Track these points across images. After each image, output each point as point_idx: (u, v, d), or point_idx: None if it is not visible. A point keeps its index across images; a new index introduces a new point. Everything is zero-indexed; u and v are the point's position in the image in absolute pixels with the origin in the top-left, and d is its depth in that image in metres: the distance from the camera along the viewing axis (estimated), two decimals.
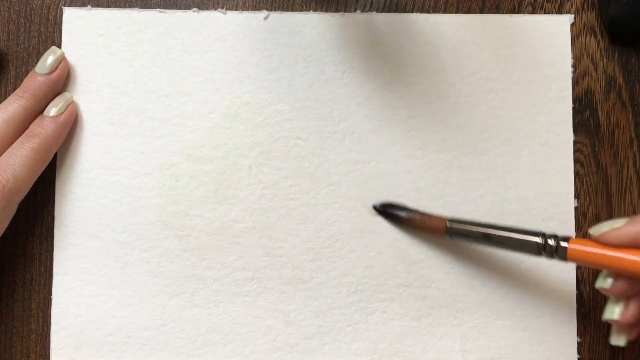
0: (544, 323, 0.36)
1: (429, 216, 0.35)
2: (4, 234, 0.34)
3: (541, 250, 0.31)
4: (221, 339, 0.36)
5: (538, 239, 0.31)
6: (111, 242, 0.36)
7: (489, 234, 0.33)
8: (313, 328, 0.36)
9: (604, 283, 0.31)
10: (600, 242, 0.30)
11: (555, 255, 0.31)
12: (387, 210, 0.36)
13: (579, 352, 0.36)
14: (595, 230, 0.30)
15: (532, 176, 0.36)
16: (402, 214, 0.35)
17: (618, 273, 0.30)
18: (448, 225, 0.34)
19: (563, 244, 0.31)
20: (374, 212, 0.36)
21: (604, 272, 0.31)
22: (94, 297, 0.36)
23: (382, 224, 0.36)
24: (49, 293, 0.36)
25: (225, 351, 0.36)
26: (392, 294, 0.36)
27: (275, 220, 0.36)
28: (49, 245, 0.36)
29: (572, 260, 0.30)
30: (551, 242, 0.31)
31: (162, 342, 0.36)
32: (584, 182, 0.36)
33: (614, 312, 0.31)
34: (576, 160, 0.36)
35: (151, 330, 0.36)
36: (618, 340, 0.31)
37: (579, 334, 0.36)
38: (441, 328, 0.36)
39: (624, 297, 0.31)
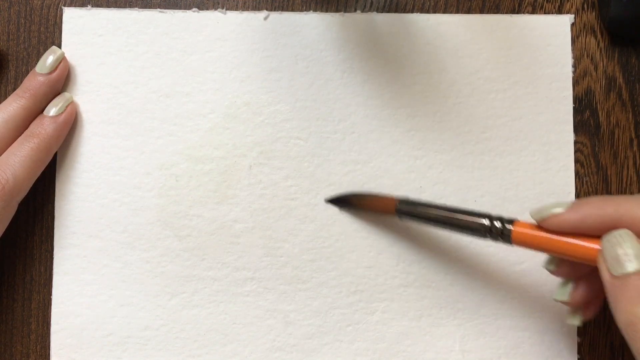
0: (544, 323, 0.36)
1: (380, 198, 0.35)
2: (4, 234, 0.34)
3: (487, 232, 0.30)
4: (221, 339, 0.36)
5: (485, 221, 0.30)
6: (111, 242, 0.36)
7: (437, 215, 0.32)
8: (313, 328, 0.36)
9: (550, 266, 0.31)
10: (541, 226, 0.29)
11: (500, 238, 0.30)
12: (338, 199, 0.36)
13: (579, 352, 0.36)
14: (536, 214, 0.29)
15: (532, 176, 0.36)
16: (352, 198, 0.35)
17: (562, 258, 0.30)
18: (397, 205, 0.33)
19: (508, 226, 0.30)
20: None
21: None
22: (94, 297, 0.36)
23: (383, 224, 0.36)
24: (49, 293, 0.36)
25: (225, 351, 0.36)
26: (392, 294, 0.36)
27: (275, 220, 0.36)
28: (49, 245, 0.36)
29: (517, 243, 0.30)
30: (497, 224, 0.30)
31: (162, 342, 0.36)
32: (584, 182, 0.36)
33: (564, 294, 0.31)
34: (576, 160, 0.36)
35: (151, 330, 0.36)
36: (573, 320, 0.31)
37: (579, 334, 0.36)
38: (441, 328, 0.36)
39: (572, 279, 0.31)
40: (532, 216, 0.30)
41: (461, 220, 0.31)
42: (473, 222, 0.31)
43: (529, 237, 0.29)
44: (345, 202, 0.36)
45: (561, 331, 0.36)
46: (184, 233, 0.36)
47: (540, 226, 0.29)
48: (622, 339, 0.35)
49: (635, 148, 0.36)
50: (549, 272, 0.31)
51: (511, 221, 0.30)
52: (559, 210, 0.29)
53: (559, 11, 0.37)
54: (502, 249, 0.36)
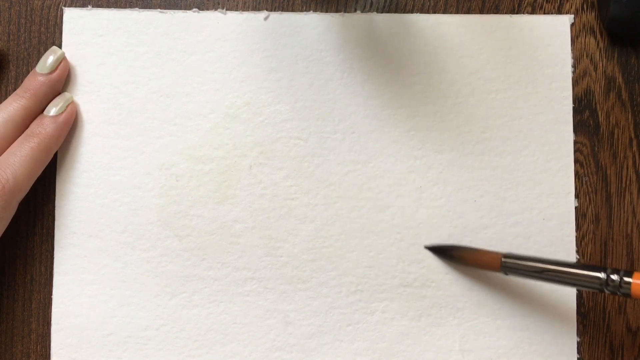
0: (544, 323, 0.36)
1: (484, 253, 0.34)
2: (4, 234, 0.34)
3: (603, 286, 0.30)
4: (221, 339, 0.36)
5: (600, 275, 0.30)
6: (111, 242, 0.36)
7: (547, 270, 0.31)
8: (313, 328, 0.36)
9: None
10: None
11: (619, 291, 0.29)
12: (438, 249, 0.35)
13: (578, 351, 0.36)
14: None
15: (532, 176, 0.36)
16: (455, 251, 0.35)
17: None
18: (502, 262, 0.33)
19: (627, 279, 0.29)
20: (427, 251, 0.36)
21: None
22: (94, 297, 0.36)
23: (382, 224, 0.36)
24: (50, 293, 0.36)
25: (225, 351, 0.36)
26: (392, 294, 0.36)
27: (275, 220, 0.36)
28: (50, 245, 0.36)
29: (636, 296, 0.29)
30: (614, 277, 0.29)
31: (162, 342, 0.36)
32: (584, 182, 0.36)
33: None
34: (576, 160, 0.36)
35: (151, 330, 0.36)
36: None
37: (579, 333, 0.36)
38: (441, 328, 0.36)
39: None
40: None
41: (575, 275, 0.31)
42: (588, 276, 0.30)
43: None
44: (445, 253, 0.35)
45: (561, 331, 0.36)
46: (184, 233, 0.36)
47: None
48: (622, 338, 0.36)
49: (634, 148, 0.36)
50: None
51: (629, 274, 0.29)
52: None
53: (559, 11, 0.37)
54: (502, 249, 0.36)
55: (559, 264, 0.31)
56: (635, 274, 0.29)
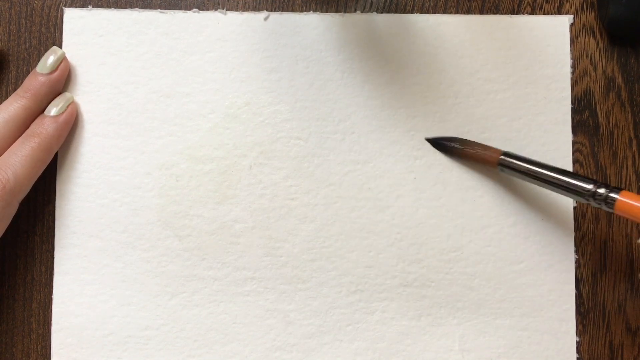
0: (544, 323, 0.36)
1: (484, 147, 0.35)
2: (5, 233, 0.35)
3: (590, 197, 0.31)
4: (221, 339, 0.36)
5: (589, 186, 0.31)
6: (111, 242, 0.36)
7: (542, 173, 0.33)
8: (313, 328, 0.36)
9: None
10: None
11: (604, 205, 0.31)
12: (439, 142, 0.36)
13: (578, 351, 0.36)
14: None
15: None
16: (455, 145, 0.36)
17: None
18: (501, 158, 0.34)
19: (613, 194, 0.30)
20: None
21: None
22: (94, 297, 0.36)
23: (382, 224, 0.36)
24: (50, 293, 0.36)
25: (226, 351, 0.36)
26: (392, 293, 0.36)
27: (275, 220, 0.36)
28: (50, 245, 0.36)
29: (619, 212, 0.30)
30: (602, 190, 0.31)
31: (162, 342, 0.36)
32: None
33: None
34: (575, 160, 0.36)
35: (151, 330, 0.36)
36: None
37: (578, 333, 0.36)
38: (440, 327, 0.36)
39: None
40: None
41: (565, 181, 0.32)
42: (577, 185, 0.31)
43: (634, 208, 0.30)
44: (445, 146, 0.36)
45: (560, 331, 0.36)
46: (184, 233, 0.36)
47: None
48: (621, 338, 0.36)
49: (634, 148, 0.36)
50: None
51: (618, 190, 0.30)
52: None
53: (558, 12, 0.37)
54: (502, 249, 0.36)
55: (555, 170, 0.32)
56: (622, 192, 0.30)
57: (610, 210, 0.30)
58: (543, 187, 0.33)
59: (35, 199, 0.36)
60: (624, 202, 0.30)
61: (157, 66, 0.36)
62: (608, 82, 0.37)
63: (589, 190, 0.31)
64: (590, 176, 0.36)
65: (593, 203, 0.31)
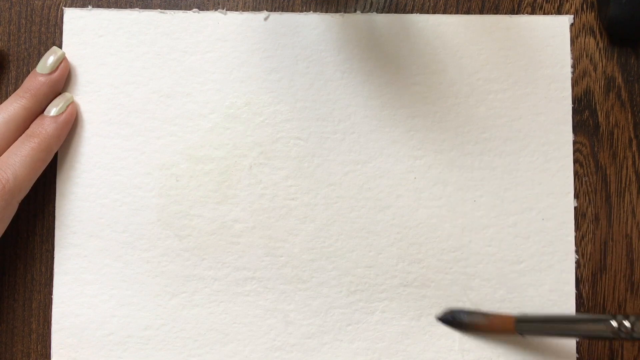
0: None
1: (496, 317, 0.34)
2: (5, 233, 0.35)
3: (615, 334, 0.30)
4: (221, 339, 0.36)
5: (613, 322, 0.30)
6: (112, 242, 0.36)
7: (563, 329, 0.32)
8: (313, 328, 0.36)
9: None
10: None
11: (635, 334, 0.30)
12: (451, 318, 0.35)
13: (578, 351, 0.36)
14: None
15: (532, 176, 0.36)
16: (467, 319, 0.35)
17: None
18: (517, 325, 0.33)
19: (639, 323, 0.30)
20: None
21: None
22: (94, 297, 0.36)
23: (382, 224, 0.36)
24: (50, 293, 0.36)
25: (226, 351, 0.36)
26: (392, 293, 0.36)
27: (275, 220, 0.36)
28: (50, 245, 0.36)
29: None
30: (626, 323, 0.30)
31: (162, 342, 0.36)
32: (583, 182, 0.36)
33: None
34: (575, 160, 0.36)
35: (151, 330, 0.36)
36: None
37: None
38: (440, 327, 0.36)
39: None
40: None
41: (589, 328, 0.31)
42: (600, 328, 0.31)
43: None
44: (457, 322, 0.35)
45: None
46: (185, 233, 0.36)
47: None
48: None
49: (634, 148, 0.36)
50: None
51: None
52: None
53: (558, 12, 0.37)
54: (502, 249, 0.36)
55: (572, 320, 0.32)
56: None
57: None
58: (568, 338, 0.32)
59: (35, 199, 0.36)
60: None
61: (157, 66, 0.36)
62: (608, 82, 0.37)
63: (613, 326, 0.30)
64: (590, 179, 0.36)
65: (622, 336, 0.30)
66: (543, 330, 0.33)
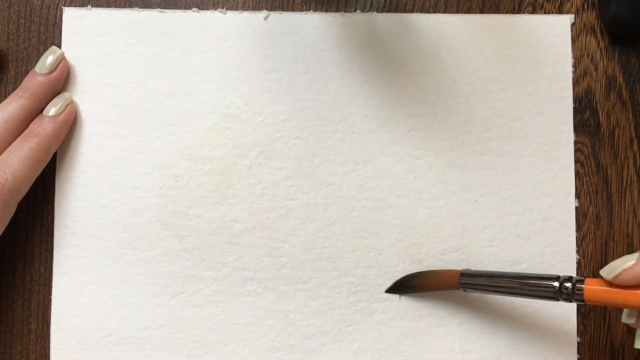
0: (544, 323, 0.36)
1: (441, 273, 0.35)
2: (4, 234, 0.34)
3: (557, 295, 0.30)
4: (221, 339, 0.36)
5: (554, 283, 0.30)
6: (111, 242, 0.36)
7: (504, 286, 0.32)
8: (313, 328, 0.36)
9: (629, 319, 0.30)
10: (614, 284, 0.29)
11: (573, 299, 0.30)
12: (396, 286, 0.35)
13: (578, 352, 0.36)
14: (607, 273, 0.29)
15: (533, 176, 0.36)
16: (412, 280, 0.35)
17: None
18: (460, 279, 0.33)
19: (579, 286, 0.30)
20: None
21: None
22: (93, 298, 0.36)
23: (383, 224, 0.36)
24: (49, 293, 0.36)
25: (225, 351, 0.36)
26: (392, 294, 0.36)
27: (275, 220, 0.36)
28: (49, 245, 0.36)
29: (590, 301, 0.30)
30: (567, 285, 0.30)
31: (161, 343, 0.36)
32: (584, 182, 0.36)
33: None
34: (576, 160, 0.36)
35: (151, 331, 0.36)
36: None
37: (579, 334, 0.36)
38: (441, 328, 0.36)
39: None
40: (603, 275, 0.29)
41: (529, 287, 0.31)
42: (542, 286, 0.31)
43: (603, 295, 0.29)
44: (404, 286, 0.35)
45: (561, 331, 0.36)
46: (184, 233, 0.36)
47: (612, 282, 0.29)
48: (622, 338, 0.35)
49: (635, 148, 0.36)
50: (630, 326, 0.31)
51: (582, 280, 0.30)
52: (629, 263, 0.29)
53: (559, 11, 0.37)
54: (503, 249, 0.36)
55: (516, 277, 0.32)
56: (587, 281, 0.30)
57: (581, 302, 0.30)
58: (510, 296, 0.32)
59: (34, 199, 0.36)
60: (592, 290, 0.29)
61: (156, 66, 0.36)
62: (609, 81, 0.37)
63: (554, 288, 0.30)
64: (591, 179, 0.36)
65: (562, 299, 0.30)
66: (486, 286, 0.33)
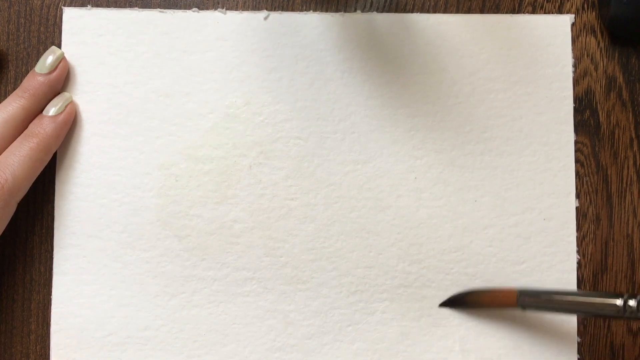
0: (544, 323, 0.36)
1: (499, 292, 0.34)
2: (4, 234, 0.34)
3: (621, 313, 0.30)
4: (221, 339, 0.36)
5: (617, 302, 0.30)
6: (111, 242, 0.36)
7: (564, 304, 0.32)
8: (313, 328, 0.36)
9: None
10: None
11: (638, 315, 0.29)
12: (452, 301, 0.35)
13: (579, 352, 0.36)
14: None
15: (533, 176, 0.36)
16: (469, 297, 0.35)
17: None
18: (519, 298, 0.33)
19: None
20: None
21: None
22: (93, 298, 0.36)
23: (383, 224, 0.36)
24: (49, 293, 0.36)
25: (225, 351, 0.36)
26: (392, 294, 0.36)
27: (275, 220, 0.36)
28: (49, 245, 0.36)
29: None
30: (631, 303, 0.29)
31: (161, 343, 0.36)
32: (584, 182, 0.36)
33: None
34: (576, 160, 0.36)
35: (151, 331, 0.36)
36: None
37: (579, 334, 0.36)
38: (441, 328, 0.36)
39: None
40: None
41: (593, 305, 0.31)
42: (604, 305, 0.30)
43: None
44: (459, 302, 0.35)
45: (561, 331, 0.36)
46: (184, 233, 0.36)
47: None
48: (622, 338, 0.35)
49: (635, 148, 0.36)
50: None
51: None
52: None
53: (559, 11, 0.37)
54: (503, 249, 0.36)
55: (576, 294, 0.31)
56: None
57: None
58: (571, 315, 0.32)
59: (34, 199, 0.36)
60: None
61: (156, 66, 0.36)
62: (609, 81, 0.37)
63: (618, 306, 0.30)
64: (591, 179, 0.36)
65: (627, 316, 0.30)
66: (546, 305, 0.32)
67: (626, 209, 0.36)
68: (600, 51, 0.37)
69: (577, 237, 0.36)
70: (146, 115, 0.36)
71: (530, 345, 0.36)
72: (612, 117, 0.36)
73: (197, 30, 0.36)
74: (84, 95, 0.36)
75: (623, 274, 0.36)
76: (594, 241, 0.36)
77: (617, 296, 0.30)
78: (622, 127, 0.36)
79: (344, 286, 0.36)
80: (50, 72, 0.35)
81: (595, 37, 0.37)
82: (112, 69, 0.36)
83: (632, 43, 0.37)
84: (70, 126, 0.36)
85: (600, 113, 0.36)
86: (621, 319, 0.30)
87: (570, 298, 0.32)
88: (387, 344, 0.36)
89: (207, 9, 0.37)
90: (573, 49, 0.37)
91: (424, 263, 0.36)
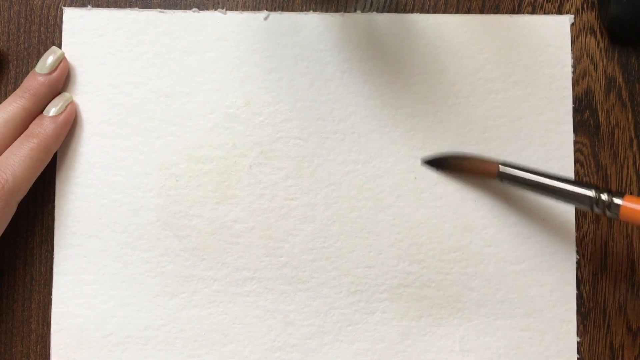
0: (544, 323, 0.36)
1: (481, 160, 0.35)
2: (4, 234, 0.34)
3: (593, 204, 0.30)
4: (221, 339, 0.36)
5: (591, 193, 0.30)
6: (111, 242, 0.36)
7: (541, 183, 0.32)
8: (313, 328, 0.36)
9: None
10: None
11: (608, 211, 0.29)
12: (436, 161, 0.35)
13: (578, 352, 0.36)
14: None
15: None
16: (451, 160, 0.35)
17: None
18: (500, 169, 0.33)
19: (617, 200, 0.29)
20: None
21: None
22: (94, 297, 0.36)
23: (383, 224, 0.36)
24: (49, 293, 0.36)
25: (225, 351, 0.36)
26: (392, 294, 0.36)
27: (275, 220, 0.36)
28: (49, 245, 0.36)
29: (624, 219, 0.29)
30: (604, 197, 0.29)
31: (162, 342, 0.36)
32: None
33: None
34: (576, 160, 0.36)
35: (151, 331, 0.36)
36: None
37: (579, 333, 0.36)
38: (441, 328, 0.36)
39: None
40: None
41: (566, 191, 0.31)
42: (579, 193, 0.30)
43: None
44: (443, 163, 0.35)
45: (561, 331, 0.36)
46: (184, 233, 0.36)
47: None
48: (622, 338, 0.35)
49: (635, 148, 0.36)
50: None
51: (621, 194, 0.29)
52: None
53: (559, 11, 0.37)
54: (502, 249, 0.36)
55: (555, 178, 0.32)
56: (627, 197, 0.29)
57: (615, 217, 0.30)
58: (544, 196, 0.32)
59: (35, 199, 0.36)
60: (629, 208, 0.29)
61: (156, 66, 0.36)
62: (609, 81, 0.37)
63: (591, 198, 0.30)
64: (591, 179, 0.36)
65: (596, 210, 0.30)
66: (523, 182, 0.32)
67: None
68: (600, 51, 0.37)
69: (576, 237, 0.36)
70: (146, 116, 0.36)
71: (530, 345, 0.36)
72: (611, 117, 0.36)
73: (197, 30, 0.37)
74: (85, 95, 0.36)
75: (622, 274, 0.36)
76: (593, 241, 0.36)
77: (591, 187, 0.30)
78: (621, 127, 0.36)
79: (344, 286, 0.36)
80: (50, 72, 0.35)
81: (595, 37, 0.37)
82: (112, 69, 0.36)
83: (632, 43, 0.37)
84: (70, 126, 0.36)
85: (599, 113, 0.37)
86: (590, 210, 0.30)
87: (547, 181, 0.32)
88: (387, 344, 0.36)
89: (207, 9, 0.37)
90: (572, 49, 0.37)
91: (424, 263, 0.36)
